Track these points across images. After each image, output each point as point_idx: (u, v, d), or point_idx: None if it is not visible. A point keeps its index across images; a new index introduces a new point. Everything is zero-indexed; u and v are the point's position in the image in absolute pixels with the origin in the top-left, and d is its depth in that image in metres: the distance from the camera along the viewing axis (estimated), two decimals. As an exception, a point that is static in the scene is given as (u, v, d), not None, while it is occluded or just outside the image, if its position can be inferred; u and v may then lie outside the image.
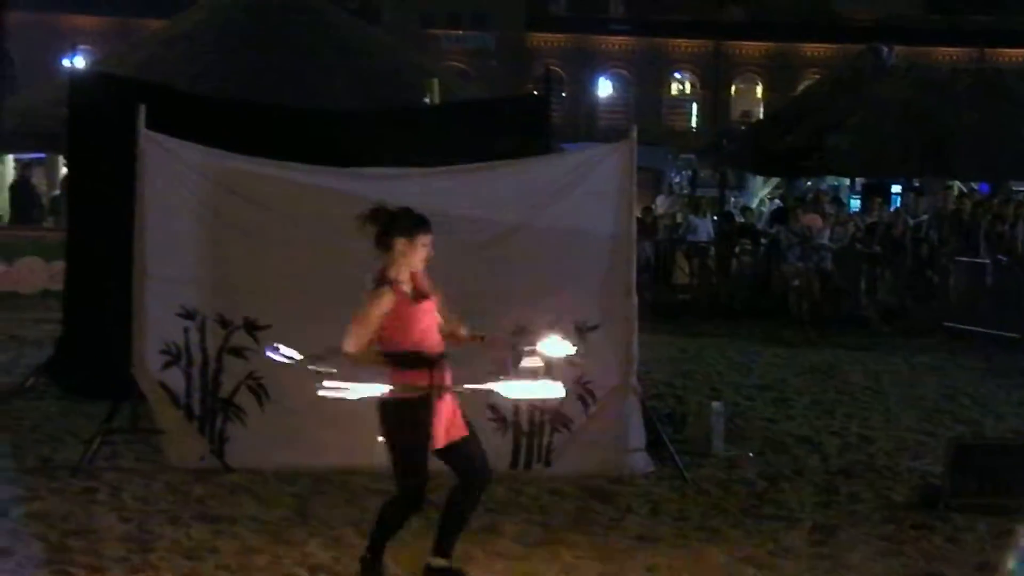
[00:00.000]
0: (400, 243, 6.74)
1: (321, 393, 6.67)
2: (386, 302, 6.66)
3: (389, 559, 6.95)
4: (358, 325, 6.68)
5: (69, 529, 7.97)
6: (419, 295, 6.76)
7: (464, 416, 6.89)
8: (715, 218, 26.77)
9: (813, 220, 22.70)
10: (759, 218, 27.32)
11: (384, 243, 6.76)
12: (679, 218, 28.23)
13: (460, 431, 6.84)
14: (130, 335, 9.68)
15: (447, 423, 6.77)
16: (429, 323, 6.79)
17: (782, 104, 36.12)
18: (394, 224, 6.77)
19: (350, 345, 6.66)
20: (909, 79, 25.58)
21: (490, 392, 6.93)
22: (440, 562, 6.85)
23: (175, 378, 9.68)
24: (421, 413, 6.65)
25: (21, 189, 25.81)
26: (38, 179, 27.53)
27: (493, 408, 9.79)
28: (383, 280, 6.71)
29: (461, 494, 6.86)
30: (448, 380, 6.75)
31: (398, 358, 6.69)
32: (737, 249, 24.04)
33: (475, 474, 6.86)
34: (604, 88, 54.72)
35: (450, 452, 6.81)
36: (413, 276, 6.80)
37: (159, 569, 7.22)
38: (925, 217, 22.10)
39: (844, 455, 10.97)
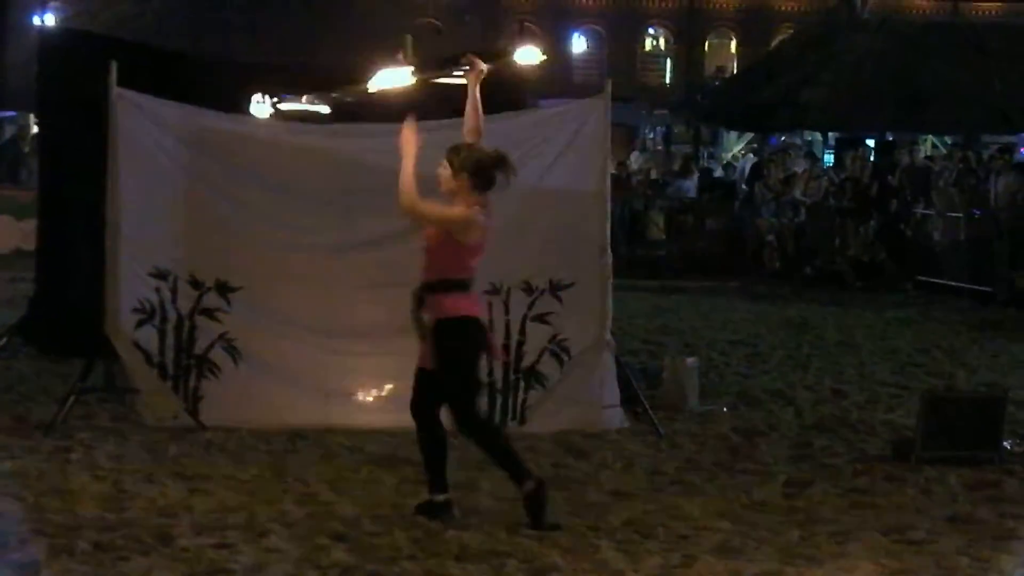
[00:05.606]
0: None
1: None
2: None
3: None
4: None
5: (44, 488, 7.94)
6: None
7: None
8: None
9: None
10: (735, 172, 27.31)
11: None
12: (653, 174, 28.23)
13: None
14: (103, 294, 9.65)
15: None
16: None
17: (756, 59, 36.03)
18: None
19: None
20: (882, 33, 25.55)
21: None
22: None
23: (148, 336, 9.63)
24: None
25: (12, 149, 25.47)
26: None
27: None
28: None
29: None
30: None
31: None
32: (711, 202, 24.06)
33: None
34: (578, 44, 54.50)
35: None
36: None
37: (134, 528, 7.20)
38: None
39: (818, 409, 11.02)
